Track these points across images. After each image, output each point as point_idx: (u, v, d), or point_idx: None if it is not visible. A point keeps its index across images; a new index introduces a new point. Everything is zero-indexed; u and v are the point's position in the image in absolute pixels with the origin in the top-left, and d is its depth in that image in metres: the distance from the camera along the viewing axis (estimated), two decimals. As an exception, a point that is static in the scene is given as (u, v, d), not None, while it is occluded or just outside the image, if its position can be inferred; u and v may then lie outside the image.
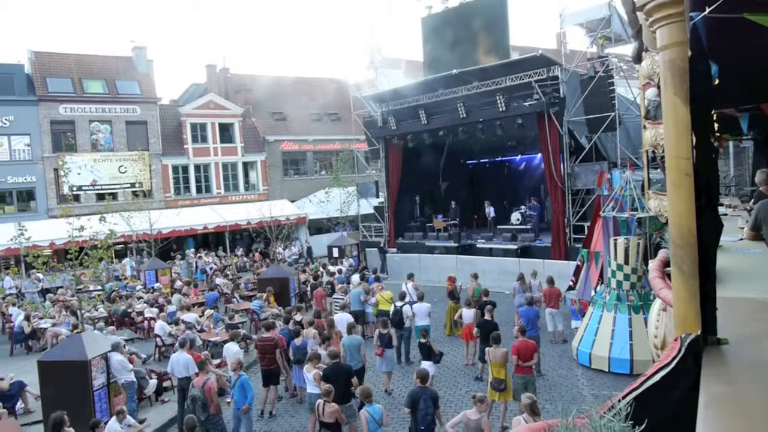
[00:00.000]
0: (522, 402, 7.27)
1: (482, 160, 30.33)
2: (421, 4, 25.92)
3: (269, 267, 22.54)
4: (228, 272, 25.92)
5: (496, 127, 22.23)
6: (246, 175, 36.90)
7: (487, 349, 10.24)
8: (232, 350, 11.32)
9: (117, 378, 10.79)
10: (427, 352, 11.46)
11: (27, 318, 17.34)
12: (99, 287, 19.57)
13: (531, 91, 21.01)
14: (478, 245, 23.64)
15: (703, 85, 3.97)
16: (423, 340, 11.51)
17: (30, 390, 11.91)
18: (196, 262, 28.48)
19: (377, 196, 29.53)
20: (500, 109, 21.41)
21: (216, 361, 12.52)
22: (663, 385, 3.09)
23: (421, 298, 13.89)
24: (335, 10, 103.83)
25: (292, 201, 36.20)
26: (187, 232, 30.71)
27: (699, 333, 3.39)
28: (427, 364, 11.50)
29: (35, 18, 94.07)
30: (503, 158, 29.70)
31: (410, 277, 16.32)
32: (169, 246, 28.76)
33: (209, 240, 34.49)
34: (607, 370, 12.41)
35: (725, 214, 9.24)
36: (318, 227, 36.00)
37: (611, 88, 19.26)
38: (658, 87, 11.37)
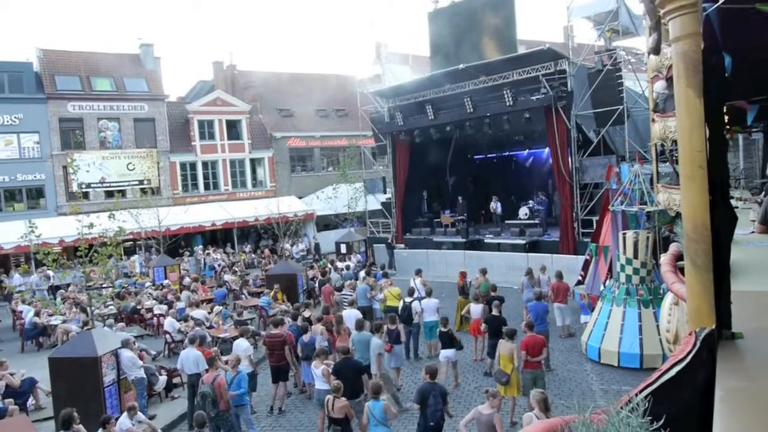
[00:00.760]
0: (533, 398, 7.24)
1: (489, 155, 30.24)
2: (428, -1, 25.85)
3: (277, 263, 22.56)
4: (236, 269, 25.97)
5: (503, 121, 22.15)
6: (253, 171, 36.96)
7: (500, 341, 10.24)
8: (242, 346, 11.35)
9: (127, 374, 10.83)
10: (449, 340, 11.66)
11: (37, 314, 17.46)
12: (110, 284, 19.68)
13: (538, 85, 20.91)
14: (485, 240, 23.59)
15: (716, 76, 3.92)
16: (444, 329, 11.74)
17: (41, 386, 11.99)
18: (205, 259, 28.56)
19: (384, 192, 29.51)
20: (507, 104, 21.32)
21: (225, 358, 12.55)
22: (679, 379, 3.06)
23: (429, 294, 13.87)
24: (341, 6, 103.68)
25: (300, 197, 36.23)
26: (195, 228, 30.81)
27: (713, 327, 3.36)
28: (449, 352, 11.74)
29: (43, 16, 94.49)
30: (511, 153, 29.59)
31: (418, 272, 16.30)
32: (177, 243, 28.86)
33: (217, 237, 34.59)
34: (616, 364, 12.35)
35: (736, 207, 9.17)
36: (326, 223, 36.02)
37: (619, 81, 19.12)
38: (667, 80, 11.31)
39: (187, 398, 11.17)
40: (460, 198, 26.58)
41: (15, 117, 29.19)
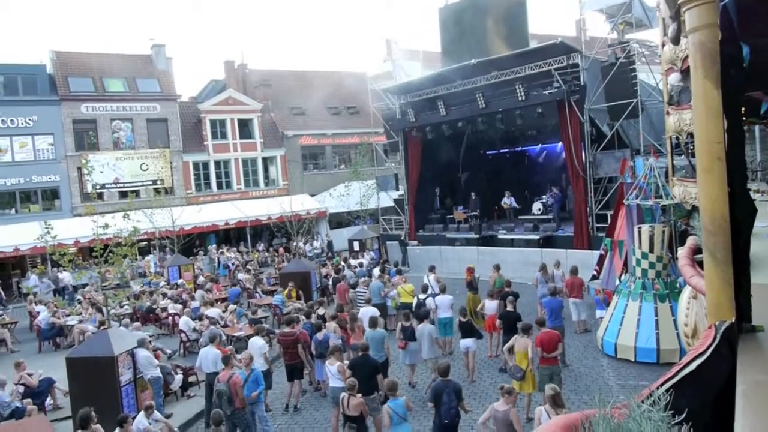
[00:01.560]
0: (546, 393, 7.22)
1: (502, 151, 30.10)
2: (438, -5, 25.77)
3: (290, 262, 22.64)
4: (250, 267, 26.09)
5: (515, 116, 22.03)
6: (266, 170, 37.12)
7: (515, 336, 10.21)
8: (257, 344, 11.41)
9: (143, 373, 10.92)
10: (468, 330, 11.79)
11: (53, 314, 17.66)
12: (125, 284, 19.86)
13: (551, 80, 20.76)
14: (499, 236, 23.52)
15: (734, 67, 3.87)
16: (464, 319, 11.89)
17: (59, 386, 12.12)
18: (219, 258, 28.74)
19: (397, 189, 29.48)
20: (520, 99, 21.20)
21: (240, 356, 12.62)
22: (699, 373, 3.03)
23: (443, 291, 13.85)
24: (351, 3, 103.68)
25: (312, 195, 36.32)
26: (208, 228, 30.99)
27: (733, 320, 3.32)
28: (469, 342, 11.88)
29: (56, 18, 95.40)
30: (523, 148, 29.43)
31: (432, 269, 16.28)
32: (191, 242, 29.04)
33: (231, 236, 34.78)
34: (633, 359, 12.27)
35: (754, 200, 9.06)
36: (338, 221, 36.09)
37: (633, 74, 18.96)
38: (682, 72, 11.19)
39: (205, 397, 11.23)
40: (472, 194, 26.50)
41: (29, 119, 29.53)
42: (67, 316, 18.05)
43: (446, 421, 8.10)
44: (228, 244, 32.56)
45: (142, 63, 34.42)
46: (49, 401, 12.09)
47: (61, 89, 30.58)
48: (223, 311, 16.15)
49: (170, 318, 17.73)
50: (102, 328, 12.74)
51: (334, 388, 9.67)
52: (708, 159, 3.79)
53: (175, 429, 9.90)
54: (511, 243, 22.74)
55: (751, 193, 9.96)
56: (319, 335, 11.42)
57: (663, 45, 11.75)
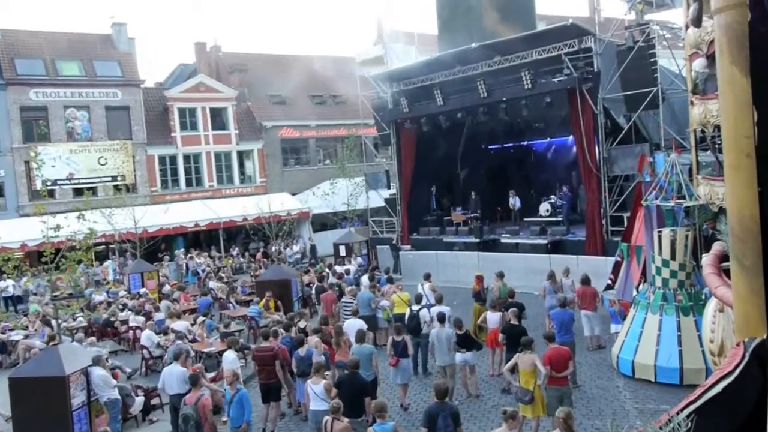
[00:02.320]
0: (557, 414, 7.21)
1: (506, 145, 30.16)
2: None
3: (268, 268, 22.56)
4: (222, 274, 25.99)
5: (521, 107, 22.09)
6: (241, 165, 37.02)
7: (516, 354, 10.19)
8: (230, 358, 11.34)
9: (99, 395, 10.80)
10: (466, 342, 11.85)
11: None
12: (80, 293, 19.69)
13: (561, 66, 20.84)
14: (502, 240, 23.55)
15: (765, 52, 3.86)
16: (459, 332, 11.92)
17: (0, 411, 11.96)
18: (187, 264, 28.59)
19: (388, 187, 29.48)
20: (526, 87, 21.26)
21: (210, 375, 12.54)
22: (726, 396, 3.01)
23: (439, 301, 13.82)
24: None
25: (293, 194, 36.25)
26: (175, 230, 30.85)
27: (765, 336, 3.31)
28: (467, 355, 11.94)
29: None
30: (530, 142, 29.51)
31: (427, 277, 16.27)
32: (156, 246, 28.86)
33: (201, 239, 34.64)
34: (652, 380, 12.29)
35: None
36: (322, 223, 36.02)
37: (653, 59, 19.04)
38: (707, 57, 11.27)
39: (171, 422, 11.14)
40: (473, 193, 26.53)
41: (-28, 106, 29.28)
42: (11, 330, 17.86)
43: (442, 449, 8.07)
44: (198, 249, 32.40)
45: (100, 44, 34.22)
46: (-12, 428, 11.94)
47: (6, 72, 30.31)
48: (192, 324, 16.05)
49: (131, 332, 17.60)
50: (51, 343, 12.59)
51: (316, 411, 9.61)
52: (736, 155, 3.79)
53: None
54: (516, 248, 22.77)
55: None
56: (301, 351, 11.34)
57: (687, 27, 11.81)
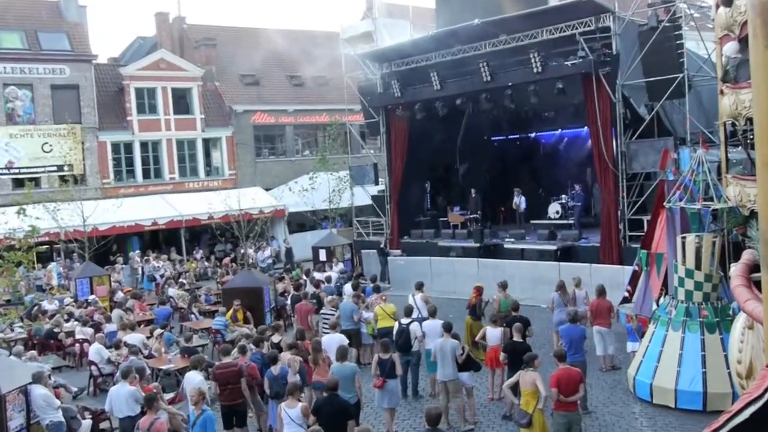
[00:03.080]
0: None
1: (511, 137, 30.25)
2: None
3: (237, 274, 22.51)
4: (184, 280, 25.90)
5: (529, 93, 22.14)
6: (207, 155, 36.87)
7: (519, 372, 10.25)
8: (194, 381, 11.31)
9: (40, 418, 10.76)
10: (464, 362, 11.92)
11: None
12: (20, 300, 19.55)
13: (575, 47, 20.89)
14: (505, 245, 23.62)
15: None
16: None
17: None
18: (143, 268, 28.47)
19: (376, 183, 29.48)
20: (535, 71, 21.30)
21: (168, 396, 12.50)
22: (753, 424, 3.05)
23: (432, 314, 13.83)
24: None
25: (267, 189, 36.16)
26: (130, 228, 30.67)
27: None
28: (464, 376, 12.00)
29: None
30: (538, 134, 29.62)
31: (419, 287, 16.27)
32: (107, 247, 28.73)
33: (159, 239, 34.48)
34: (673, 405, 12.37)
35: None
36: (300, 222, 35.97)
37: (679, 42, 19.16)
38: (740, 40, 11.36)
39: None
40: (473, 191, 26.58)
41: None
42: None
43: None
44: (156, 250, 32.26)
45: (46, 12, 33.98)
46: None
47: (-62, 44, 30.06)
48: (148, 337, 16.01)
49: (77, 345, 17.52)
50: (-14, 357, 12.53)
51: (290, 438, 9.62)
52: (769, 151, 3.83)
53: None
54: (521, 255, 22.83)
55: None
56: (274, 369, 11.33)
57: (717, 6, 11.90)
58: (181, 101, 35.89)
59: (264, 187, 36.34)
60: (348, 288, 18.78)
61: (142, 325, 17.78)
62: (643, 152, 20.23)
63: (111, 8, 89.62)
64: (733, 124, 12.64)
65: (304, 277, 22.62)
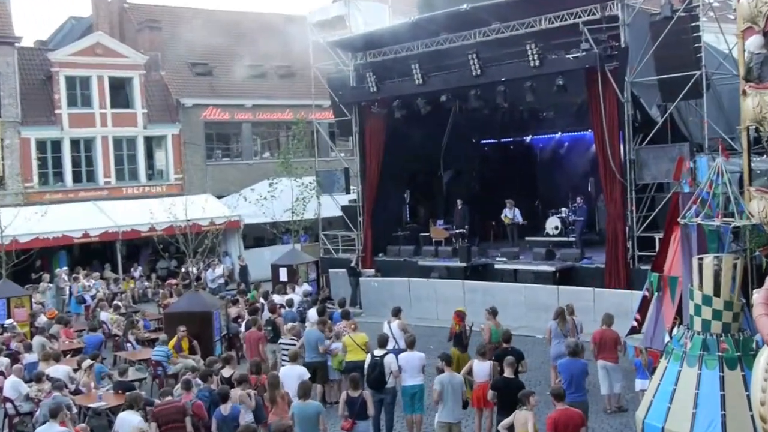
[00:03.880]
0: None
1: (504, 140, 30.43)
2: None
3: (182, 296, 22.32)
4: (119, 303, 25.64)
5: (525, 90, 22.27)
6: (150, 156, 36.65)
7: (515, 413, 10.25)
8: (132, 423, 11.18)
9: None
10: None
11: None
12: None
13: (578, 38, 21.03)
14: (496, 266, 23.68)
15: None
16: None
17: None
18: (71, 288, 28.12)
19: (347, 192, 29.46)
20: (532, 64, 21.41)
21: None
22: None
23: (411, 345, 13.80)
24: None
25: (220, 197, 35.98)
26: (57, 240, 30.31)
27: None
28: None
29: None
30: (535, 137, 29.83)
31: (396, 313, 16.26)
32: (29, 262, 28.35)
33: (91, 254, 34.09)
34: (687, 453, 12.44)
35: None
36: (258, 236, 35.81)
37: (696, 35, 19.34)
38: (765, 34, 11.50)
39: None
40: (459, 202, 26.65)
41: None
42: None
43: None
44: (87, 267, 31.90)
45: (-38, -13, 33.71)
46: None
47: None
48: (75, 369, 15.84)
49: (-9, 378, 17.26)
50: None
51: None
52: (802, 160, 3.86)
53: None
54: (514, 276, 22.91)
55: None
56: (224, 409, 11.26)
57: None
58: (120, 93, 35.64)
59: (216, 194, 36.12)
60: (312, 313, 18.66)
61: (68, 355, 17.58)
62: (654, 160, 20.37)
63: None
64: (757, 129, 12.81)
65: (261, 300, 22.49)
